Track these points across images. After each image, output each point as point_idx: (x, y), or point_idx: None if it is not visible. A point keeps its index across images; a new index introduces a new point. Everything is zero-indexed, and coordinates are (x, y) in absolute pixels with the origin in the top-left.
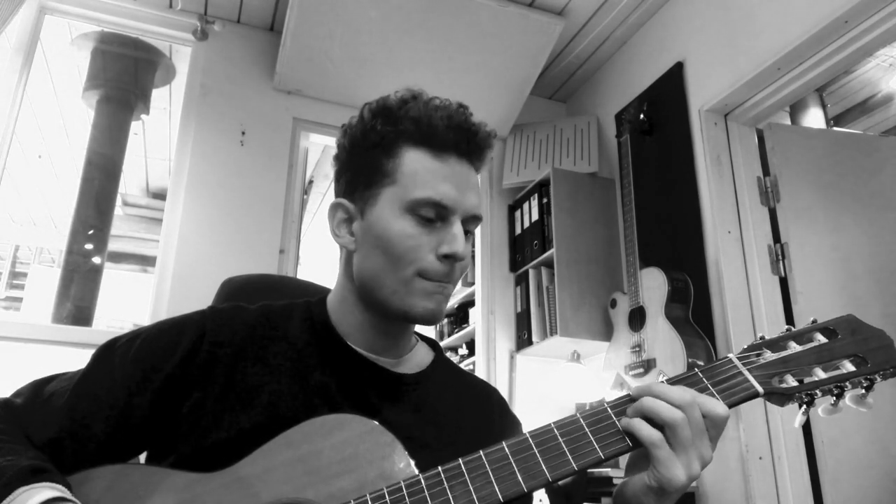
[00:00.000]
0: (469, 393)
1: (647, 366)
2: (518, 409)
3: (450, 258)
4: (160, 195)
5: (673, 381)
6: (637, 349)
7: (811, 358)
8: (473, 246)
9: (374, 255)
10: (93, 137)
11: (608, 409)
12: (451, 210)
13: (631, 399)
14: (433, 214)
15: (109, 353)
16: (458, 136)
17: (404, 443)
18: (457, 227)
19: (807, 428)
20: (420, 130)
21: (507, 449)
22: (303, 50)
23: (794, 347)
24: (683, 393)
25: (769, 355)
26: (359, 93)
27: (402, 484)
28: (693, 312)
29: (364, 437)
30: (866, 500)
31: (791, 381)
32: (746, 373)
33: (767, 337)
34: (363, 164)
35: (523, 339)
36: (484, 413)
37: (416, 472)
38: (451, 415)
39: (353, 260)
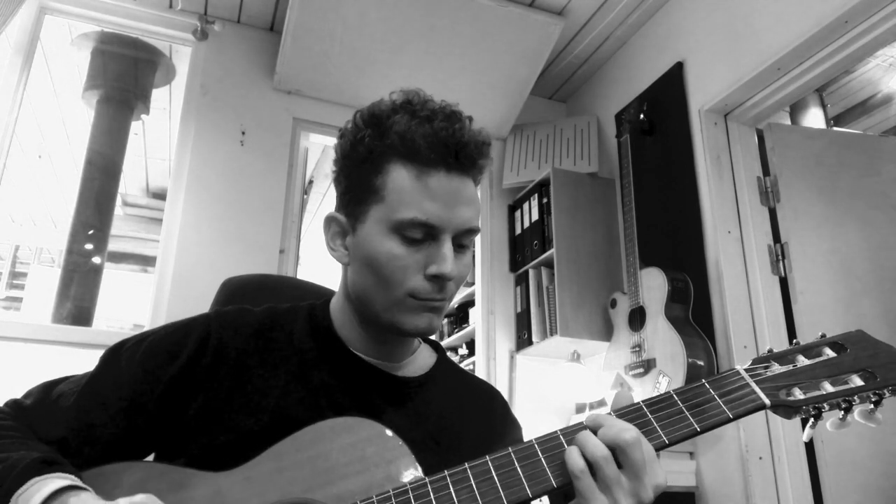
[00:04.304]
0: (471, 395)
1: (647, 366)
2: (518, 409)
3: (438, 278)
4: (160, 195)
5: (679, 393)
6: (637, 349)
7: (819, 372)
8: (473, 246)
9: (364, 272)
10: (93, 137)
11: (614, 416)
12: (439, 229)
13: (636, 408)
14: (420, 234)
15: (117, 356)
16: (442, 153)
17: (407, 445)
18: (446, 247)
19: None
20: (405, 146)
21: (513, 455)
22: (303, 50)
23: (803, 361)
24: (622, 433)
25: (777, 368)
26: (359, 93)
27: (408, 486)
28: (693, 312)
29: (372, 441)
30: (866, 500)
31: (798, 395)
32: (754, 385)
33: (776, 350)
34: (353, 177)
35: (523, 339)
36: (486, 415)
37: (423, 475)
38: (454, 417)
39: (347, 273)
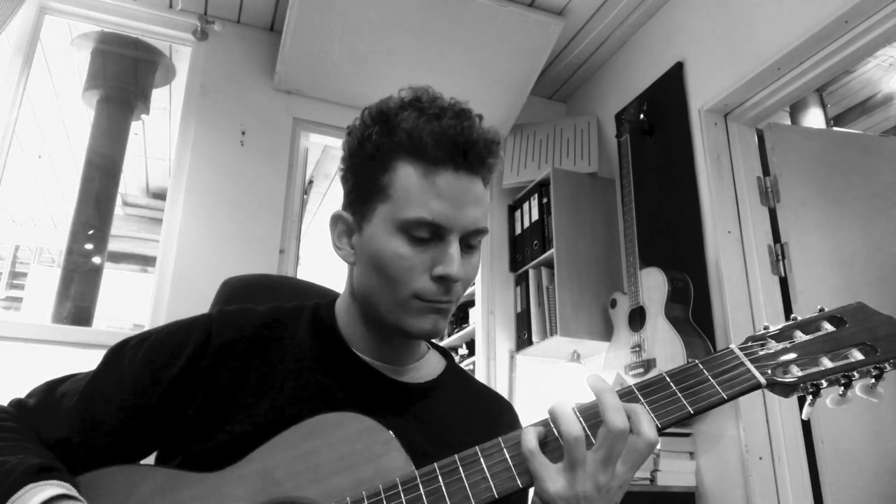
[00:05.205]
0: (479, 405)
1: (647, 366)
2: (518, 409)
3: (445, 279)
4: (160, 195)
5: (672, 375)
6: (637, 349)
7: (818, 347)
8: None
9: (370, 272)
10: (93, 137)
11: (616, 395)
12: (446, 229)
13: (627, 391)
14: (427, 234)
15: (119, 356)
16: (450, 151)
17: (399, 442)
18: (453, 247)
19: (806, 428)
20: (412, 144)
21: (503, 444)
22: (303, 50)
23: (800, 337)
24: (616, 417)
25: (773, 345)
26: (359, 93)
27: (398, 481)
28: (693, 312)
29: (361, 435)
30: (866, 499)
31: (796, 372)
32: (749, 363)
33: (772, 327)
34: (360, 175)
35: (523, 339)
36: (492, 425)
37: (413, 469)
38: (457, 426)
39: (353, 273)
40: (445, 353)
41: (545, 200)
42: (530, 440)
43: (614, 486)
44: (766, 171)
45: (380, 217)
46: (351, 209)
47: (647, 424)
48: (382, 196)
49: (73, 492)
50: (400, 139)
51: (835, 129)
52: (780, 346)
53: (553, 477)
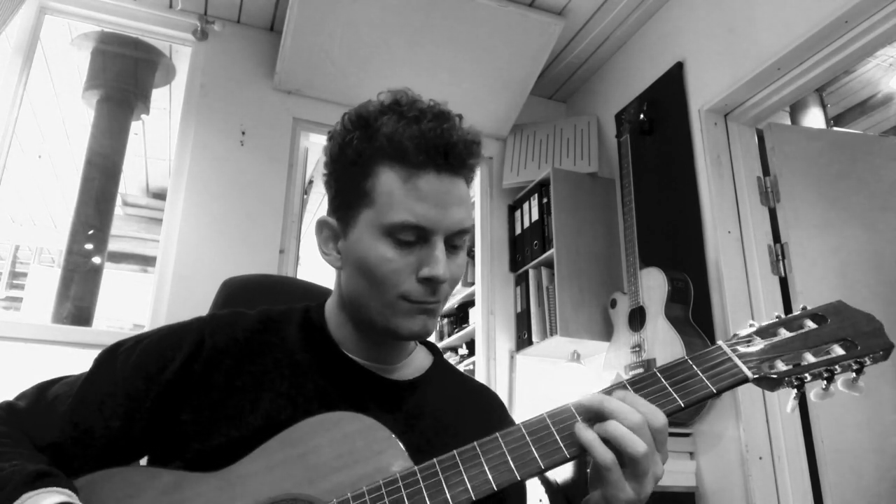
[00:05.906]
0: (467, 397)
1: (647, 366)
2: (518, 409)
3: (431, 281)
4: (160, 195)
5: (662, 370)
6: (637, 349)
7: (801, 343)
8: (473, 247)
9: (357, 276)
10: (93, 137)
11: (631, 392)
12: (430, 231)
13: (622, 388)
14: (412, 237)
15: (111, 359)
16: (431, 154)
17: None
18: (438, 249)
19: (807, 428)
20: (393, 148)
21: (500, 439)
22: (303, 50)
23: (784, 334)
24: (635, 414)
25: (759, 342)
26: (359, 93)
27: (398, 476)
28: (693, 312)
29: (361, 433)
30: (866, 499)
31: (781, 366)
32: (736, 359)
33: (758, 325)
34: (343, 181)
35: (523, 339)
36: (482, 416)
37: (413, 465)
38: (448, 419)
39: (341, 277)
40: (433, 347)
41: (545, 200)
42: (608, 454)
43: (659, 473)
44: (766, 171)
45: (364, 222)
46: (336, 215)
47: (652, 413)
48: (366, 201)
49: (73, 498)
50: (380, 144)
51: (835, 129)
52: (766, 342)
53: (625, 487)
